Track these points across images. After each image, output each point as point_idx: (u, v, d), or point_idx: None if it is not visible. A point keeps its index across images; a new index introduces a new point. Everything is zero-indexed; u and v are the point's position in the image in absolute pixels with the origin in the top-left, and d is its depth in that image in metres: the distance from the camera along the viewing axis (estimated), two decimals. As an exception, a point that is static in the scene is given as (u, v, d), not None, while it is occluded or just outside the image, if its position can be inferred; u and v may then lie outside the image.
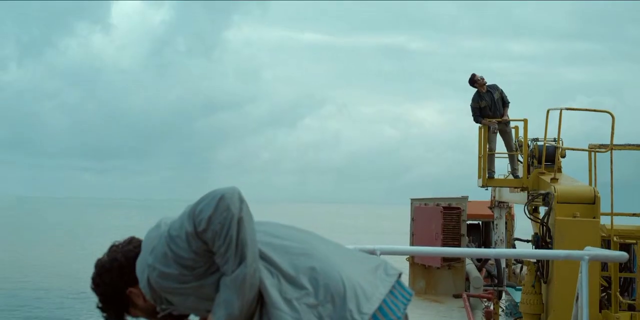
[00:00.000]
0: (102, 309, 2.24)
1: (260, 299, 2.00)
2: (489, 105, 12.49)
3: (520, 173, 12.10)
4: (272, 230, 2.19)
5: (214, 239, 1.92)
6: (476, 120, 12.56)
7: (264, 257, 2.05)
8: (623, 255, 3.74)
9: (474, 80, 12.69)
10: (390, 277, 2.14)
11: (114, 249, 2.26)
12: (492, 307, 12.25)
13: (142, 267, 2.08)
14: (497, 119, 12.34)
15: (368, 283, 2.07)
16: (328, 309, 1.97)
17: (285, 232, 2.20)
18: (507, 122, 12.57)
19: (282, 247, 2.11)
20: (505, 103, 12.61)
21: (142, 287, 2.08)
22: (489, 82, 12.82)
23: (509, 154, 12.62)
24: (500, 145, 12.74)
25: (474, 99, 12.66)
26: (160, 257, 2.00)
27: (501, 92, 12.65)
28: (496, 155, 12.66)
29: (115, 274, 2.19)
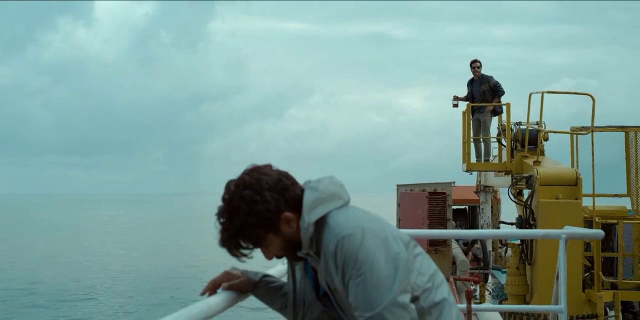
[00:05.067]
0: (245, 231, 2.05)
1: None
2: (469, 94, 12.97)
3: (497, 160, 12.40)
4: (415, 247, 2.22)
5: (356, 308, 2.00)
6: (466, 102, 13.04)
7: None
8: (599, 233, 3.82)
9: (470, 66, 13.17)
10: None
11: (266, 168, 2.13)
12: (475, 289, 12.38)
13: (312, 202, 2.06)
14: (461, 98, 13.03)
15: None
16: None
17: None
18: (488, 110, 12.73)
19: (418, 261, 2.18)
20: (495, 93, 12.83)
21: (308, 221, 2.04)
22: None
23: (483, 140, 12.80)
24: (493, 131, 12.96)
25: (467, 83, 13.22)
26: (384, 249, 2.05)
27: (493, 84, 12.86)
28: (482, 140, 12.84)
29: (281, 192, 2.08)
